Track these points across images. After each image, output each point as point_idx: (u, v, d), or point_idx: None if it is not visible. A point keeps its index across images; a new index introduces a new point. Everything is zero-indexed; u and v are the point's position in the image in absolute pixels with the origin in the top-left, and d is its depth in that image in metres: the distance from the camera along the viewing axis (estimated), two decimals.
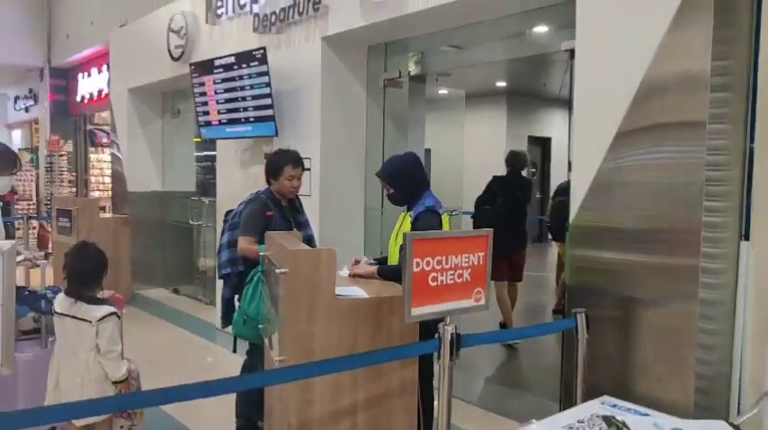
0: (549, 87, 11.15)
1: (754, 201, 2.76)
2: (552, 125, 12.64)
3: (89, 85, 10.65)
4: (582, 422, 1.89)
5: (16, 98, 14.09)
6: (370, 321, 2.63)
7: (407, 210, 3.14)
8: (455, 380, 4.56)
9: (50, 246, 8.69)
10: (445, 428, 2.42)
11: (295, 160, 3.63)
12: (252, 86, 5.29)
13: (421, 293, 2.30)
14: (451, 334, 2.38)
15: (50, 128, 11.68)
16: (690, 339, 2.82)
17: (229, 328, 3.49)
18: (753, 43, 2.76)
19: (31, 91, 13.01)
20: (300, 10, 4.95)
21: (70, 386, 2.92)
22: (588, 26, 3.20)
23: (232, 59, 5.43)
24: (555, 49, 3.88)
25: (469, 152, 9.45)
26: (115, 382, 2.96)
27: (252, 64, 5.21)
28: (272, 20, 5.23)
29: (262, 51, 5.10)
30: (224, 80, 5.57)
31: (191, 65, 6.04)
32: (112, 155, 8.82)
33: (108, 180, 9.96)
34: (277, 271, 2.55)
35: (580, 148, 3.26)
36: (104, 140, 11.08)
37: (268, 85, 5.12)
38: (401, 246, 3.10)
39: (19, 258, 3.29)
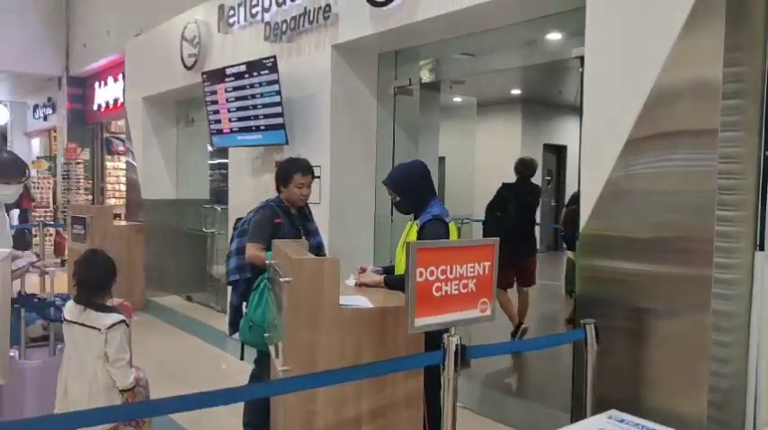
0: (564, 95, 11.09)
1: None
2: (568, 133, 12.54)
3: (105, 93, 10.78)
4: None
5: (35, 107, 14.31)
6: (375, 331, 2.60)
7: (414, 219, 3.12)
8: (465, 390, 4.54)
9: (66, 252, 8.77)
10: None
11: (305, 168, 3.64)
12: (262, 95, 5.30)
13: (425, 303, 2.27)
14: (456, 345, 2.34)
15: (68, 136, 11.83)
16: (703, 351, 2.75)
17: (237, 335, 3.48)
18: (766, 49, 2.70)
19: (49, 100, 13.20)
20: (311, 18, 4.96)
21: (78, 394, 2.93)
22: (598, 33, 3.16)
23: (243, 68, 5.45)
24: (566, 56, 3.84)
25: (483, 160, 9.40)
26: (122, 391, 2.96)
27: (262, 72, 5.23)
28: (283, 28, 5.25)
29: (272, 60, 5.11)
30: (235, 88, 5.59)
31: (202, 73, 6.08)
32: (127, 163, 8.89)
33: (124, 187, 10.05)
34: (281, 280, 2.54)
35: (590, 156, 3.21)
36: (120, 148, 11.20)
37: (278, 93, 5.13)
38: (405, 253, 3.08)
39: (21, 262, 3.30)
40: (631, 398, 2.96)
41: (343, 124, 4.99)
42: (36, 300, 3.59)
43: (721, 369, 2.74)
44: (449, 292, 2.32)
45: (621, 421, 2.00)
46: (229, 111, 5.76)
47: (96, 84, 11.15)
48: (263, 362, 3.48)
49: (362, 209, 5.14)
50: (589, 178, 3.19)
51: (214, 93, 5.88)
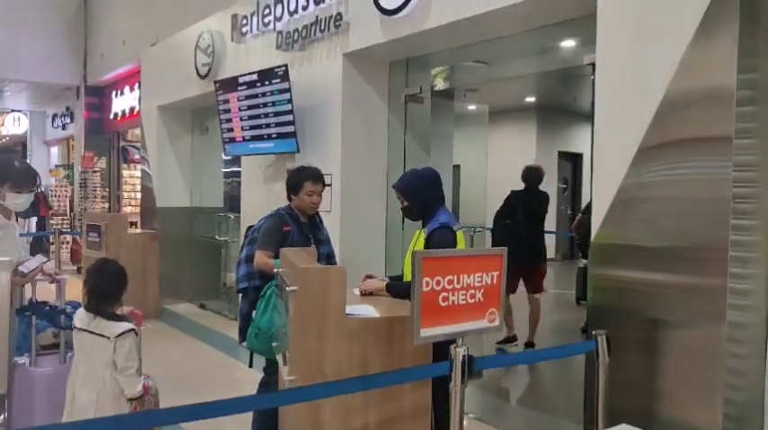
0: (579, 102, 11.02)
1: None
2: (583, 141, 12.45)
3: (122, 102, 10.90)
4: None
5: (54, 116, 14.50)
6: (382, 341, 2.57)
7: (422, 227, 3.10)
8: (476, 401, 4.48)
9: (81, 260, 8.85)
10: None
11: (315, 176, 3.64)
12: (274, 103, 5.32)
13: (431, 314, 2.24)
14: (463, 356, 2.31)
15: (85, 144, 11.97)
16: (718, 363, 2.69)
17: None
18: None
19: (68, 109, 13.37)
20: (322, 27, 4.97)
21: (86, 402, 2.93)
22: (609, 39, 3.13)
23: (255, 77, 5.47)
24: (578, 63, 3.81)
25: (498, 168, 9.36)
26: (130, 399, 2.95)
27: (274, 81, 5.25)
28: (295, 37, 5.27)
29: (284, 68, 5.13)
30: (247, 97, 5.62)
31: (215, 82, 6.12)
32: (142, 171, 8.96)
33: (139, 196, 10.14)
34: (287, 288, 2.52)
35: (602, 164, 3.17)
36: (137, 157, 11.31)
37: (290, 101, 5.14)
38: (411, 262, 3.06)
39: (32, 264, 3.31)
40: (644, 410, 2.90)
41: (355, 132, 4.99)
42: (47, 307, 3.60)
43: (737, 381, 2.67)
44: (456, 302, 2.29)
45: None
46: (242, 119, 5.78)
47: (113, 93, 11.28)
48: (271, 369, 3.47)
49: (374, 217, 5.12)
50: (601, 186, 3.15)
51: (227, 101, 5.91)
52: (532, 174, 5.91)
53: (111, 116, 11.40)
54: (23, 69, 11.51)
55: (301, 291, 2.47)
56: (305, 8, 5.14)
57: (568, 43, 4.06)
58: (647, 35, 2.95)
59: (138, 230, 8.55)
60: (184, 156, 8.41)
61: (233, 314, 7.20)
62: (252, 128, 5.68)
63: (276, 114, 5.33)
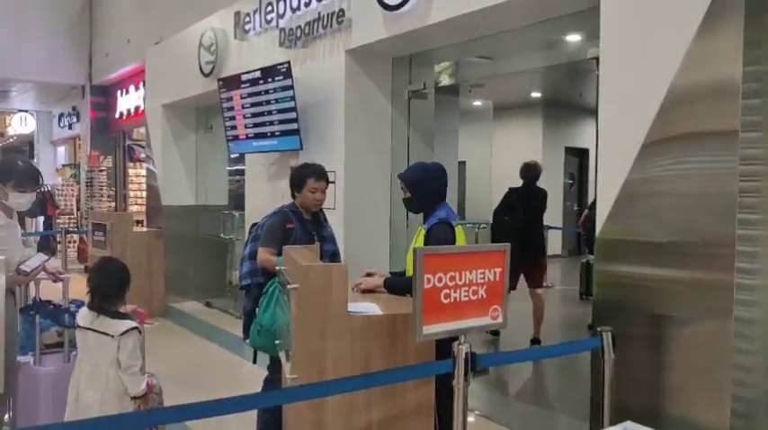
0: (585, 97, 10.96)
1: None
2: (589, 136, 12.36)
3: (127, 101, 10.92)
4: None
5: (60, 116, 14.56)
6: (384, 339, 2.55)
7: (423, 222, 3.09)
8: (482, 398, 4.46)
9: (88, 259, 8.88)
10: None
11: (318, 173, 3.62)
12: (277, 100, 5.30)
13: (433, 311, 2.22)
14: (466, 353, 2.29)
15: (91, 144, 12.01)
16: (725, 359, 2.65)
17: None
18: None
19: (74, 108, 13.42)
20: (325, 24, 4.95)
21: (90, 400, 2.93)
22: (612, 33, 3.09)
23: (258, 74, 5.46)
24: (582, 57, 3.77)
25: (504, 164, 9.34)
26: (134, 398, 2.95)
27: (277, 78, 5.23)
28: (298, 34, 5.24)
29: (286, 65, 5.11)
30: (250, 95, 5.60)
31: (218, 80, 6.12)
32: (148, 170, 8.97)
33: (145, 194, 10.17)
34: (288, 286, 2.51)
35: (606, 158, 3.14)
36: (142, 155, 11.33)
37: (293, 98, 5.12)
38: (413, 258, 3.04)
39: (34, 262, 3.31)
40: (651, 407, 2.88)
41: (358, 129, 4.97)
42: (51, 306, 3.61)
43: (745, 377, 2.64)
44: (458, 299, 2.27)
45: None
46: (245, 117, 5.77)
47: (118, 92, 11.30)
48: (275, 367, 3.46)
49: (377, 214, 5.10)
50: (605, 181, 3.11)
51: (230, 99, 5.90)
52: (530, 171, 6.02)
53: (117, 115, 11.42)
54: (29, 69, 11.56)
55: (303, 288, 2.46)
56: (307, 5, 5.12)
57: (572, 37, 4.02)
58: (650, 28, 2.91)
59: (144, 229, 8.57)
60: (189, 155, 8.41)
61: (239, 312, 7.17)
62: (255, 125, 5.66)
63: (279, 112, 5.32)
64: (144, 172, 10.91)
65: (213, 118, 8.01)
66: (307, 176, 3.60)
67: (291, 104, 5.15)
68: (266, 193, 5.95)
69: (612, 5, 3.07)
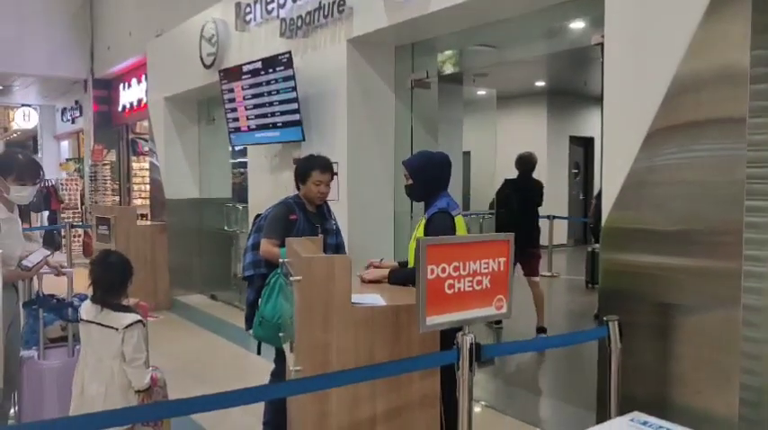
0: (589, 86, 10.88)
1: None
2: (594, 125, 12.31)
3: (129, 95, 10.90)
4: None
5: (63, 110, 14.54)
6: (389, 330, 2.53)
7: (425, 212, 3.07)
8: (487, 388, 4.44)
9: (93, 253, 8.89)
10: None
11: (323, 166, 3.58)
12: (278, 91, 5.27)
13: (436, 301, 2.19)
14: (471, 343, 2.27)
15: (94, 138, 11.99)
16: (733, 348, 2.62)
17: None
18: None
19: (77, 102, 13.40)
20: (326, 13, 4.91)
21: (95, 394, 2.92)
22: (617, 18, 3.04)
23: (259, 65, 5.42)
24: (586, 43, 3.72)
25: (507, 153, 9.28)
26: (138, 391, 2.94)
27: (278, 68, 5.19)
28: (299, 24, 5.20)
29: (287, 56, 5.08)
30: (251, 86, 5.57)
31: (219, 71, 6.08)
32: (151, 163, 8.96)
33: (149, 188, 10.16)
34: (291, 278, 2.49)
35: (611, 146, 3.10)
36: (146, 149, 11.32)
37: (294, 89, 5.09)
38: (415, 249, 3.03)
39: (36, 258, 3.30)
40: (658, 397, 2.85)
41: (361, 119, 4.93)
42: (54, 300, 3.60)
43: (754, 366, 2.61)
44: (462, 289, 2.24)
45: (644, 423, 1.90)
46: (246, 108, 5.74)
47: (121, 85, 11.27)
48: (281, 358, 3.45)
49: (381, 205, 5.07)
50: (611, 169, 3.08)
51: (231, 91, 5.87)
52: (524, 162, 6.10)
53: (120, 109, 11.40)
54: (31, 63, 11.53)
55: (306, 280, 2.43)
56: None
57: (577, 23, 3.97)
58: (655, 13, 2.86)
59: (148, 222, 8.56)
60: (192, 148, 8.39)
61: (243, 304, 7.16)
62: (257, 117, 5.63)
63: (281, 102, 5.28)
64: (147, 165, 10.92)
65: (215, 110, 7.98)
66: (312, 169, 3.55)
67: (293, 95, 5.12)
68: (269, 185, 5.92)
69: None
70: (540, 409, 4.41)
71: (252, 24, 5.94)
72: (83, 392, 2.97)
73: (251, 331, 3.45)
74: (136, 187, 11.75)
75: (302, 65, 5.17)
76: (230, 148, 8.19)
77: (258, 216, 3.82)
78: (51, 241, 10.77)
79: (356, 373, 2.35)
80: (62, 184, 12.52)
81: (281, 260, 3.02)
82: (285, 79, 5.15)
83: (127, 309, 2.99)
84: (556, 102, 11.92)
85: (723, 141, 2.63)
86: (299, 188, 3.63)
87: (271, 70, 5.29)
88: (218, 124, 8.10)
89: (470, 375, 2.26)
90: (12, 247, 3.24)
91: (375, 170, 5.02)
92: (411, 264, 3.06)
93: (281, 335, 3.03)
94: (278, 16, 5.46)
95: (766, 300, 2.59)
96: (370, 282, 3.04)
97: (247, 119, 5.76)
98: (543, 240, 8.94)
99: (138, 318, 2.97)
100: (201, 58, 6.82)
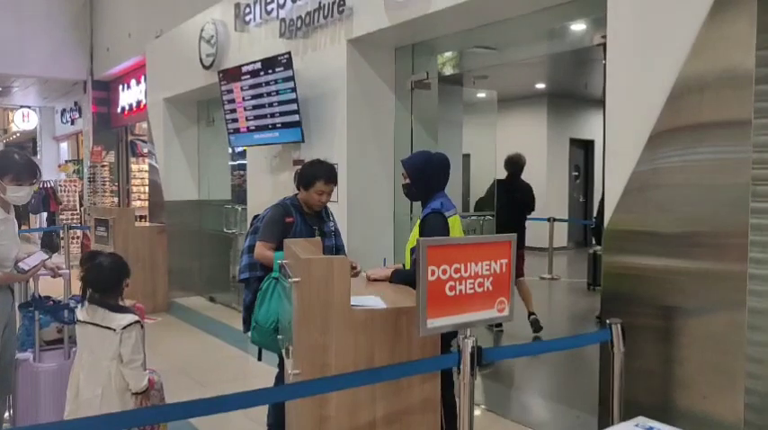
0: (590, 88, 10.87)
1: None
2: (594, 127, 12.29)
3: (129, 96, 10.87)
4: None
5: (63, 111, 14.52)
6: (389, 333, 2.49)
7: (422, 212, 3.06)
8: (488, 392, 4.40)
9: None
10: None
11: (329, 176, 3.48)
12: (278, 92, 5.24)
13: (437, 304, 2.15)
14: (472, 347, 2.23)
15: (93, 139, 11.96)
16: (738, 351, 2.59)
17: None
18: None
19: (76, 104, 13.37)
20: (325, 13, 4.88)
21: (90, 396, 2.88)
22: (620, 19, 3.01)
23: (258, 65, 5.39)
24: (588, 44, 3.69)
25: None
26: (135, 394, 2.90)
27: (277, 69, 5.16)
28: (298, 24, 5.17)
29: (287, 56, 5.05)
30: (251, 86, 5.54)
31: (219, 72, 6.05)
32: (150, 165, 8.92)
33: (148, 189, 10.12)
34: (289, 280, 2.45)
35: (614, 148, 3.06)
36: (145, 151, 11.28)
37: (294, 89, 5.06)
38: (411, 249, 3.00)
39: (33, 261, 3.26)
40: (662, 401, 2.82)
41: (361, 120, 4.90)
42: (50, 302, 3.56)
43: (759, 370, 2.57)
44: (463, 292, 2.21)
45: (650, 429, 1.86)
46: (246, 109, 5.70)
47: (120, 87, 11.24)
48: (283, 362, 3.41)
49: (381, 207, 5.04)
50: (613, 171, 3.05)
51: (230, 91, 5.84)
52: (512, 164, 6.15)
53: (119, 110, 11.37)
54: (31, 65, 11.49)
55: (304, 282, 2.39)
56: None
57: (577, 24, 3.94)
58: (659, 13, 2.83)
59: (146, 224, 8.52)
60: (191, 149, 8.36)
61: (242, 307, 7.14)
62: (256, 118, 5.60)
63: (280, 103, 5.25)
64: (146, 167, 10.88)
65: (215, 111, 7.96)
66: (316, 178, 3.45)
67: (293, 96, 5.09)
68: (269, 187, 5.89)
69: None
70: (541, 413, 4.36)
71: (251, 25, 5.91)
72: (78, 395, 2.93)
73: (249, 333, 3.42)
74: (135, 189, 11.71)
75: (302, 65, 5.14)
76: (229, 150, 8.16)
77: (256, 217, 3.78)
78: (50, 243, 10.72)
79: (355, 377, 2.31)
80: (60, 186, 12.49)
81: (280, 261, 2.99)
82: (285, 80, 5.12)
83: (124, 310, 2.96)
84: (556, 104, 11.90)
85: (728, 143, 2.61)
86: (298, 190, 3.59)
87: (270, 71, 5.26)
88: (217, 125, 8.07)
89: (472, 379, 2.23)
90: (7, 249, 3.20)
91: (375, 171, 4.99)
92: (408, 266, 3.05)
93: (279, 337, 2.99)
94: (277, 17, 5.43)
95: None
96: (375, 280, 3.03)
97: (247, 120, 5.73)
98: (542, 242, 8.98)
99: (136, 318, 2.93)
100: (201, 59, 6.79)
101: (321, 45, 5.04)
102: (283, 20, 5.34)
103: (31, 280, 3.54)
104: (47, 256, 3.38)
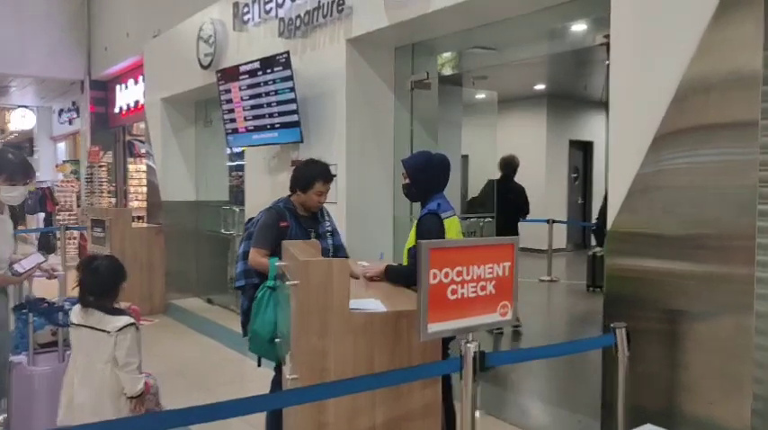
0: (590, 90, 10.84)
1: None
2: (594, 129, 12.27)
3: (126, 96, 10.82)
4: None
5: (60, 111, 14.46)
6: (389, 337, 2.44)
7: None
8: (490, 397, 4.35)
9: None
10: None
11: (326, 176, 3.45)
12: (276, 92, 5.19)
13: (439, 308, 2.10)
14: (475, 352, 2.18)
15: (91, 139, 11.91)
16: (745, 356, 2.55)
17: None
18: None
19: (74, 104, 13.31)
20: (325, 12, 4.83)
21: (84, 400, 2.83)
22: (623, 18, 2.97)
23: (256, 65, 5.34)
24: (590, 43, 3.65)
25: None
26: (130, 397, 2.85)
27: (276, 69, 5.11)
28: (297, 24, 5.13)
29: (285, 56, 5.00)
30: (249, 86, 5.49)
31: (217, 72, 6.00)
32: (147, 166, 8.87)
33: (146, 190, 10.06)
34: (287, 283, 2.40)
35: (617, 150, 3.02)
36: (142, 151, 11.23)
37: (292, 89, 5.01)
38: (409, 248, 2.96)
39: (28, 264, 3.21)
40: (666, 406, 2.77)
41: (360, 120, 4.85)
42: (45, 304, 3.51)
43: (766, 375, 2.53)
44: (465, 295, 2.16)
45: None
46: (244, 109, 5.65)
47: (118, 87, 11.19)
48: (280, 366, 3.36)
49: (380, 208, 4.99)
50: (617, 173, 3.00)
51: (228, 91, 5.79)
52: (504, 165, 6.18)
53: (117, 110, 11.32)
54: (28, 64, 11.45)
55: (303, 285, 2.34)
56: None
57: (580, 23, 3.90)
58: (663, 13, 2.79)
59: (144, 224, 8.46)
60: (189, 150, 8.30)
61: (240, 308, 7.09)
62: (254, 118, 5.55)
63: (279, 103, 5.20)
64: (144, 167, 10.82)
65: (213, 112, 7.90)
66: (315, 179, 3.40)
67: (291, 96, 5.04)
68: (267, 188, 5.84)
69: None
70: (541, 417, 4.32)
71: (250, 24, 5.87)
72: (72, 400, 2.89)
73: (247, 336, 3.38)
74: (132, 189, 11.65)
75: (300, 65, 5.09)
76: (227, 150, 8.11)
77: (250, 221, 3.71)
78: (46, 244, 10.66)
79: (355, 383, 2.26)
80: (57, 186, 12.42)
81: (277, 264, 2.94)
82: (283, 80, 5.07)
83: (119, 312, 2.91)
84: (556, 105, 11.87)
85: (734, 144, 2.57)
86: (293, 191, 3.52)
87: (269, 70, 5.21)
88: (215, 126, 8.01)
89: (474, 385, 2.18)
90: (1, 249, 3.16)
91: (374, 172, 4.94)
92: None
93: (277, 340, 2.94)
94: (276, 16, 5.38)
95: None
96: (372, 279, 3.02)
97: (245, 120, 5.68)
98: (541, 244, 8.95)
99: (132, 320, 2.88)
100: (199, 59, 6.74)
101: (320, 44, 5.00)
102: (282, 19, 5.29)
103: (25, 281, 3.50)
104: (43, 259, 3.33)
